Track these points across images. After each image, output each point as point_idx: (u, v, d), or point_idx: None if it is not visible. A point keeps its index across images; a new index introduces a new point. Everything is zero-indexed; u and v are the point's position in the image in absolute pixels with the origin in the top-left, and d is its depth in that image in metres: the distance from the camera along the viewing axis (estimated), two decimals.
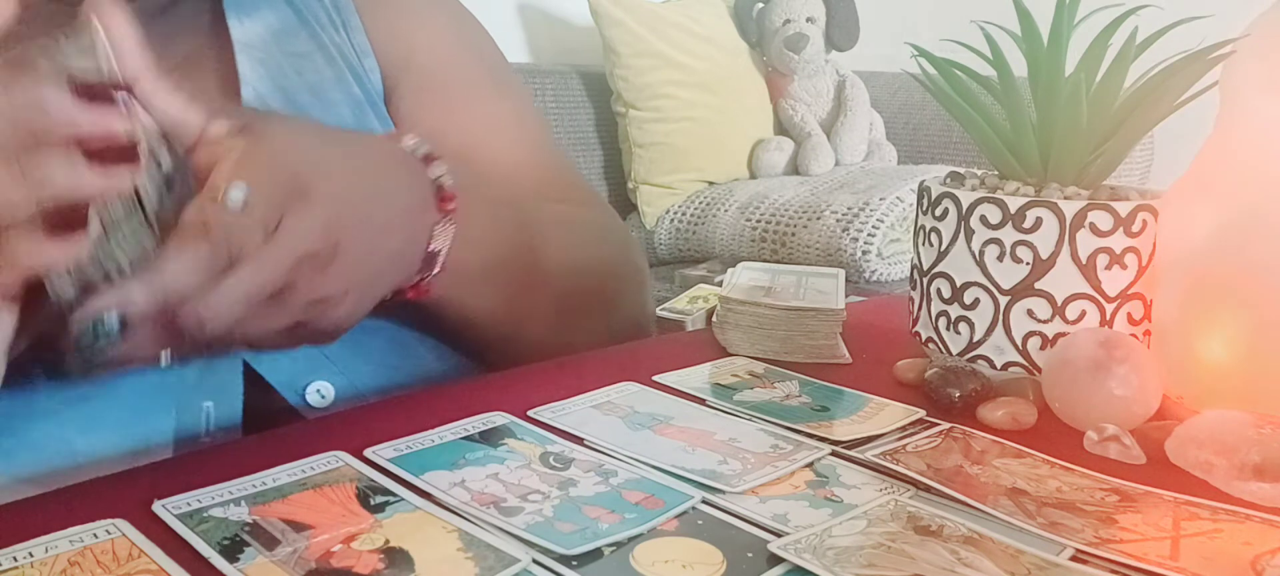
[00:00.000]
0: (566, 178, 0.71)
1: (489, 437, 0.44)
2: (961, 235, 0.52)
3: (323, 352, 0.54)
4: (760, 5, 2.18)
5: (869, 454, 0.43)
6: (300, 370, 0.53)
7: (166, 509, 0.36)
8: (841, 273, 0.67)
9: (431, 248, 0.49)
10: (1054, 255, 0.50)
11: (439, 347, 0.60)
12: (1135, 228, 0.50)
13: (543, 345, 0.59)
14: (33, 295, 0.37)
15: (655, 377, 0.53)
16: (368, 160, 0.47)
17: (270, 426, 0.48)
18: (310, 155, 0.43)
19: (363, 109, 0.61)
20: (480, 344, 0.59)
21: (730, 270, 0.67)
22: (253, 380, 0.52)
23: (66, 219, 0.36)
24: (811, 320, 0.58)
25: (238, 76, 0.56)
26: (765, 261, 1.59)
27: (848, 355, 0.59)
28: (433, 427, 0.44)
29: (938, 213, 0.54)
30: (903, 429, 0.47)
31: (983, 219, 0.51)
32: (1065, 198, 0.50)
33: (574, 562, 0.33)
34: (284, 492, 0.38)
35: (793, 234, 1.78)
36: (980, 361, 0.53)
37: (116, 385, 0.48)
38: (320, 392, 0.54)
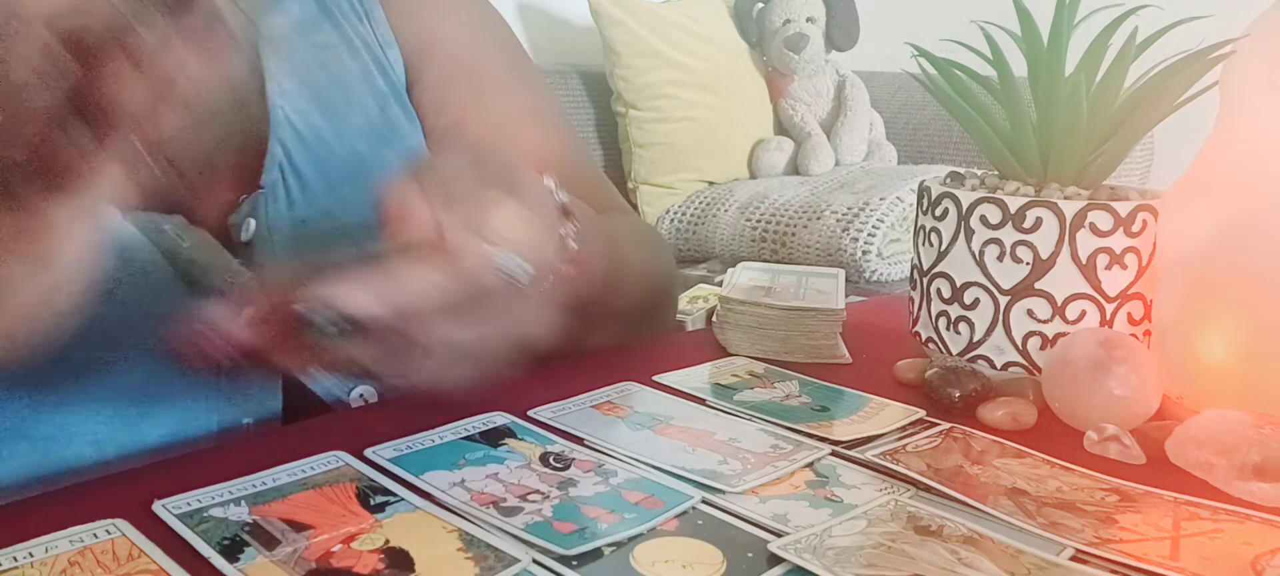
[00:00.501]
0: (590, 175, 0.70)
1: (489, 437, 0.44)
2: (961, 235, 0.52)
3: None
4: (760, 5, 2.18)
5: (869, 454, 0.43)
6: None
7: (166, 509, 0.36)
8: (841, 272, 0.67)
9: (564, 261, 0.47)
10: (1054, 255, 0.50)
11: None
12: (1135, 228, 0.50)
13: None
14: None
15: (655, 377, 0.53)
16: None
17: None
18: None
19: (387, 100, 0.60)
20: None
21: (730, 270, 0.67)
22: (289, 383, 0.51)
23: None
24: (811, 320, 0.58)
25: (262, 70, 0.56)
26: (765, 261, 1.59)
27: (848, 355, 0.59)
28: (433, 427, 0.44)
29: (938, 213, 0.54)
30: (903, 429, 0.47)
31: (983, 219, 0.51)
32: (1065, 198, 0.50)
33: (574, 562, 0.33)
34: (284, 492, 0.38)
35: (793, 234, 1.78)
36: (980, 361, 0.53)
37: (157, 405, 0.47)
38: (363, 397, 0.53)
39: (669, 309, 0.70)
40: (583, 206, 0.51)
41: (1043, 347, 0.51)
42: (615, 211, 0.67)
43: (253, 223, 0.51)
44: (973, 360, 0.53)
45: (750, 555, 0.34)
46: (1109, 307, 0.51)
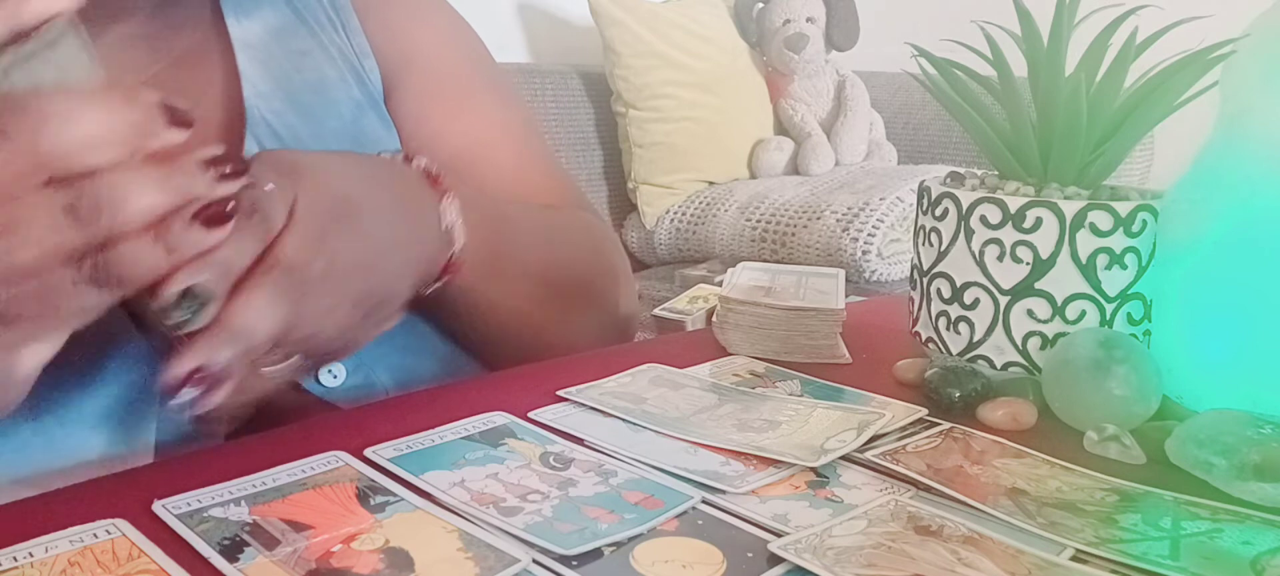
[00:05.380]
0: (563, 185, 0.71)
1: (489, 437, 0.44)
2: (961, 235, 0.52)
3: None
4: (760, 5, 2.18)
5: (869, 454, 0.43)
6: None
7: (166, 509, 0.36)
8: (841, 272, 0.67)
9: (445, 224, 0.50)
10: (1054, 255, 0.50)
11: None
12: (1135, 228, 0.50)
13: (525, 346, 0.60)
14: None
15: None
16: (380, 179, 0.48)
17: (268, 415, 0.47)
18: (355, 191, 0.45)
19: (362, 109, 0.61)
20: (468, 341, 0.60)
21: (730, 270, 0.67)
22: None
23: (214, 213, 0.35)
24: (811, 320, 0.58)
25: (238, 74, 0.56)
26: (765, 261, 1.59)
27: (848, 355, 0.59)
28: (433, 427, 0.44)
29: (938, 213, 0.54)
30: (903, 429, 0.47)
31: (983, 219, 0.51)
32: (1065, 198, 0.50)
33: (574, 562, 0.33)
34: (284, 492, 0.38)
35: (793, 234, 1.78)
36: (980, 361, 0.53)
37: (98, 391, 0.47)
38: (332, 372, 0.54)
39: (608, 300, 0.69)
40: (469, 188, 0.55)
41: (1043, 347, 0.51)
42: (566, 211, 0.69)
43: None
44: (973, 360, 0.53)
45: (750, 555, 0.34)
46: (1109, 307, 0.51)
